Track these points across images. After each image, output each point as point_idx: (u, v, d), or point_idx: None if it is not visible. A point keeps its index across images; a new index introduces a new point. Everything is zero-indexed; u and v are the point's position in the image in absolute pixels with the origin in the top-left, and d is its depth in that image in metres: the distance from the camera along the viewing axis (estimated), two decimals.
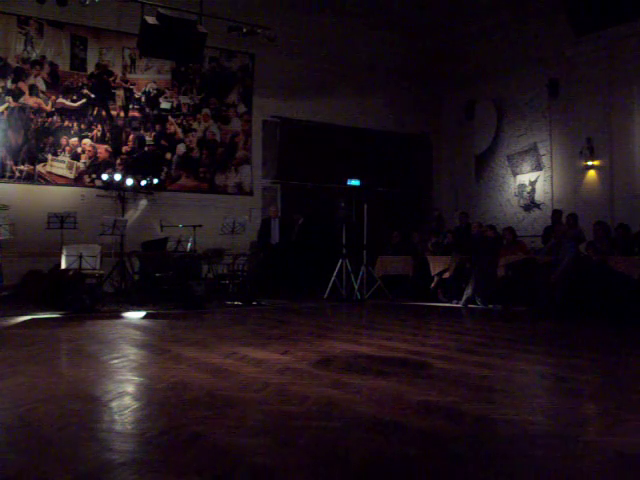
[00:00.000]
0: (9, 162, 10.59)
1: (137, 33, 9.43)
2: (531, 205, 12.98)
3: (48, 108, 10.95)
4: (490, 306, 9.58)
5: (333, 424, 3.06)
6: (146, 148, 11.82)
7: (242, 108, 12.78)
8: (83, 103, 11.27)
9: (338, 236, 10.87)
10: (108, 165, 11.39)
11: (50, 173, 10.94)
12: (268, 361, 4.78)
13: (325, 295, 10.72)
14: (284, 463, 2.53)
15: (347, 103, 13.70)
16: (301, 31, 12.86)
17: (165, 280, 9.84)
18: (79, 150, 11.19)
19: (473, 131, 14.25)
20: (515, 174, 13.36)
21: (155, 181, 11.48)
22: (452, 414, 3.26)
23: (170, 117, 12.08)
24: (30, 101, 10.82)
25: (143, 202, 11.64)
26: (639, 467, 2.54)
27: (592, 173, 11.85)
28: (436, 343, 5.96)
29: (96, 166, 11.30)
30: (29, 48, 10.83)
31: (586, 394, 3.90)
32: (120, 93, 11.63)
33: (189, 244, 10.15)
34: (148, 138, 11.86)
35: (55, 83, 11.04)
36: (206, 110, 12.42)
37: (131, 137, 11.70)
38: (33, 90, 10.85)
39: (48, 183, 10.91)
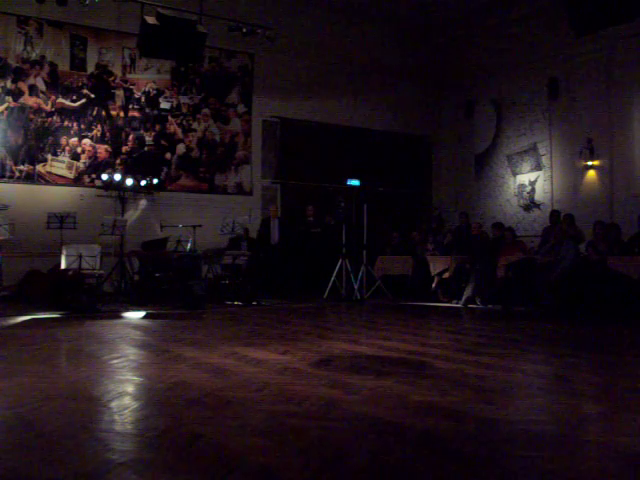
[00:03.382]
0: (9, 162, 10.59)
1: (137, 33, 9.44)
2: (531, 205, 12.97)
3: (48, 108, 10.95)
4: (490, 306, 9.59)
5: (333, 424, 3.06)
6: (146, 148, 11.82)
7: (242, 108, 12.78)
8: (83, 103, 11.26)
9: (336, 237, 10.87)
10: (108, 165, 11.38)
11: (50, 173, 10.93)
12: (268, 361, 4.78)
13: (325, 295, 10.72)
14: (284, 463, 2.53)
15: (347, 103, 13.70)
16: (301, 31, 12.86)
17: (165, 280, 9.83)
18: (79, 150, 11.19)
19: (473, 131, 14.24)
20: (515, 174, 13.36)
21: (155, 181, 11.47)
22: (452, 414, 3.26)
23: (170, 117, 12.07)
24: (30, 101, 10.81)
25: (143, 202, 11.63)
26: (639, 467, 2.54)
27: (592, 173, 11.86)
28: (436, 343, 5.96)
29: (96, 166, 11.30)
30: (29, 48, 10.82)
31: (586, 394, 3.90)
32: (120, 93, 11.62)
33: (189, 244, 10.15)
34: (148, 138, 11.85)
35: (55, 83, 11.04)
36: (206, 110, 12.42)
37: (131, 137, 11.69)
38: (33, 90, 10.84)
39: (48, 183, 10.91)
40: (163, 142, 12.00)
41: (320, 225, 12.18)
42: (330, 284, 10.73)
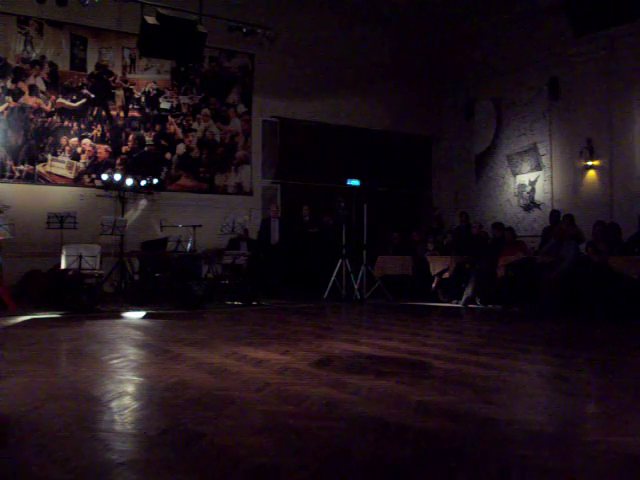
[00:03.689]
0: (9, 162, 10.59)
1: (137, 33, 9.44)
2: (531, 205, 12.97)
3: (48, 108, 10.95)
4: (490, 306, 9.59)
5: (333, 424, 3.06)
6: (146, 148, 11.82)
7: (242, 108, 12.78)
8: (83, 103, 11.26)
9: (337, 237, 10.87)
10: (108, 165, 11.38)
11: (50, 173, 10.93)
12: (268, 361, 4.78)
13: (325, 295, 10.72)
14: (284, 463, 2.53)
15: (347, 103, 13.70)
16: (301, 31, 12.86)
17: (165, 280, 9.83)
18: (79, 150, 11.19)
19: (473, 131, 14.25)
20: (515, 174, 13.36)
21: (155, 181, 11.46)
22: (452, 414, 3.26)
23: (170, 117, 12.07)
24: (30, 101, 10.81)
25: (143, 202, 11.63)
26: (639, 467, 2.54)
27: (592, 173, 11.85)
28: (436, 343, 5.96)
29: (96, 166, 11.30)
30: (29, 48, 10.83)
31: (586, 394, 3.90)
32: (120, 93, 11.62)
33: (189, 244, 10.15)
34: (148, 138, 11.85)
35: (55, 83, 11.03)
36: (206, 110, 12.42)
37: (131, 137, 11.69)
38: (33, 90, 10.84)
39: (48, 183, 10.91)
40: (163, 142, 12.00)
41: (317, 225, 12.18)
42: (330, 284, 10.73)
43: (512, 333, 6.91)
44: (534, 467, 2.52)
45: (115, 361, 4.83)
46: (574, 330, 7.20)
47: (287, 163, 13.17)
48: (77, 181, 11.17)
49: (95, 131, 11.36)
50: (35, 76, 10.87)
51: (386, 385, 3.96)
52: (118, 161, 11.51)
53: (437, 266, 10.64)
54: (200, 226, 10.55)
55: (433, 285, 10.68)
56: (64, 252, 8.80)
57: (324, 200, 12.45)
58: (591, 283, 8.51)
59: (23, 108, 10.75)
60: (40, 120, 10.87)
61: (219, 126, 12.54)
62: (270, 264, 11.27)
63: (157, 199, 11.70)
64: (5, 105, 10.60)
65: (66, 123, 11.09)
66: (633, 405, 3.52)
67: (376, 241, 11.65)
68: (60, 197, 10.89)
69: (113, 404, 3.48)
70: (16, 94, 10.70)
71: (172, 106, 12.10)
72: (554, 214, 10.98)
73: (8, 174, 10.57)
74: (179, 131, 12.16)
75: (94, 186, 11.21)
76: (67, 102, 11.13)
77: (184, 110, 12.21)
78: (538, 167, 12.87)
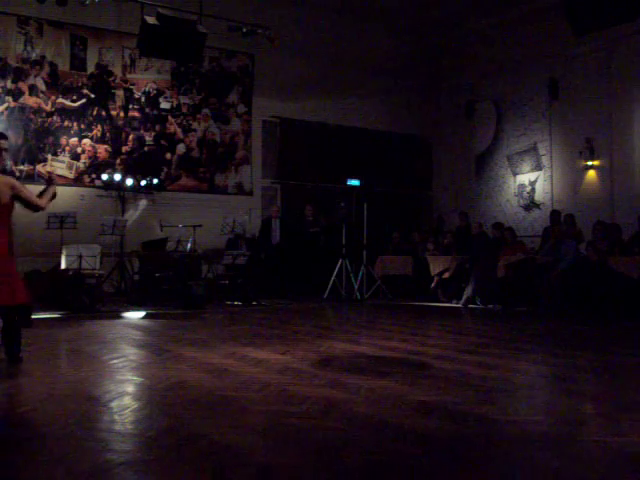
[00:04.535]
0: (9, 162, 10.57)
1: (137, 33, 9.43)
2: (531, 205, 12.97)
3: (48, 108, 10.94)
4: (490, 306, 9.59)
5: (333, 424, 3.06)
6: (146, 148, 11.82)
7: (242, 108, 12.78)
8: (83, 103, 11.26)
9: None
10: (108, 165, 11.38)
11: (50, 173, 10.92)
12: (268, 361, 4.78)
13: (325, 295, 10.72)
14: (284, 463, 2.53)
15: (346, 103, 13.69)
16: (301, 31, 12.85)
17: (165, 280, 9.83)
18: (79, 150, 11.19)
19: (473, 131, 14.24)
20: (515, 174, 13.35)
21: (155, 181, 11.47)
22: (452, 414, 3.26)
23: (170, 117, 12.07)
24: (30, 101, 10.81)
25: (143, 202, 11.63)
26: (639, 467, 2.54)
27: (592, 173, 11.85)
28: (436, 343, 5.96)
29: (96, 166, 11.29)
30: (29, 48, 10.83)
31: (586, 394, 3.90)
32: (120, 93, 11.62)
33: (189, 244, 10.16)
34: (148, 138, 11.85)
35: (55, 83, 11.04)
36: (206, 110, 12.42)
37: (131, 137, 11.69)
38: (33, 90, 10.84)
39: None
40: (163, 142, 12.00)
41: (319, 225, 12.19)
42: (330, 284, 10.73)
43: (512, 333, 6.91)
44: (534, 467, 2.52)
45: (115, 361, 4.83)
46: (574, 330, 7.20)
47: (287, 163, 13.16)
48: (77, 181, 11.16)
49: (95, 131, 11.36)
50: (35, 76, 10.87)
51: (386, 385, 3.96)
52: (118, 161, 11.51)
53: (437, 266, 10.64)
54: (200, 226, 10.54)
55: (432, 285, 10.68)
56: (64, 252, 8.80)
57: (324, 200, 12.45)
58: (591, 283, 8.51)
59: (23, 108, 10.75)
60: (40, 120, 10.87)
61: (219, 126, 12.54)
62: (270, 264, 11.27)
63: (157, 199, 11.70)
64: (5, 105, 10.60)
65: (66, 123, 11.09)
66: (632, 405, 3.52)
67: (376, 241, 11.66)
68: (60, 197, 10.80)
69: (113, 404, 3.48)
70: (16, 94, 10.70)
71: (172, 106, 12.10)
72: (554, 214, 10.97)
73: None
74: (179, 131, 12.16)
75: (94, 186, 11.21)
76: (67, 102, 11.13)
77: (184, 110, 12.21)
78: (538, 167, 12.87)
